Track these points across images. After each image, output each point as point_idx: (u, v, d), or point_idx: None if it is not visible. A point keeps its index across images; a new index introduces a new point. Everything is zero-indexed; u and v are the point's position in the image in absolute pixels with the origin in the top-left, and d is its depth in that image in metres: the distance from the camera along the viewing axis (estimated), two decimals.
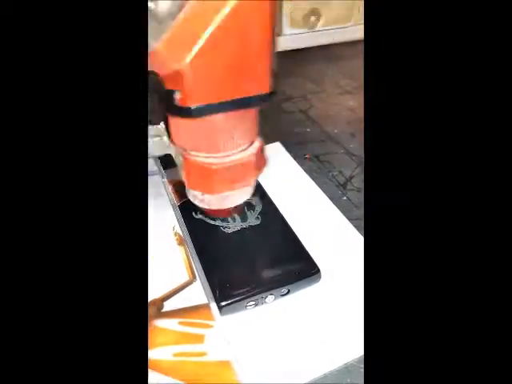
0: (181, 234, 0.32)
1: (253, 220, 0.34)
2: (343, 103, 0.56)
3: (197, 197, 0.27)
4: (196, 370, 0.24)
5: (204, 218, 0.34)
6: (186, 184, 0.26)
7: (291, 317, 0.29)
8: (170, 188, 0.37)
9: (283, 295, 0.29)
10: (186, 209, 0.35)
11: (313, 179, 0.41)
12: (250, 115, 0.23)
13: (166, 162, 0.40)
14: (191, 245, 0.31)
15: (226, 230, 0.33)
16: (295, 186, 0.40)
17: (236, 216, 0.34)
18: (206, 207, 0.28)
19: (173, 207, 0.35)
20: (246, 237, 0.33)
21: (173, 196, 0.36)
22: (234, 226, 0.33)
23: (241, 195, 0.27)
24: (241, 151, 0.24)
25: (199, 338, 0.25)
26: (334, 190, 0.41)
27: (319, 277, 0.30)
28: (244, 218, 0.34)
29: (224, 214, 0.32)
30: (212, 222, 0.34)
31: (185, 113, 0.21)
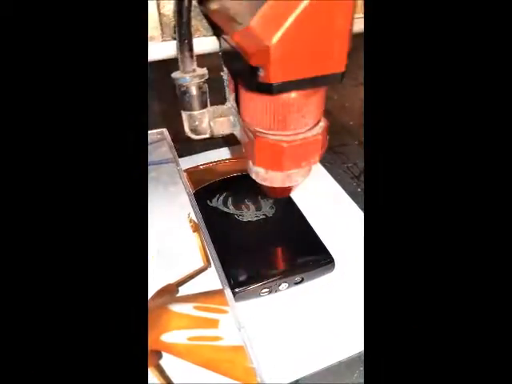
0: (196, 221, 0.32)
1: (267, 209, 0.34)
2: (358, 95, 0.55)
3: (260, 174, 0.27)
4: (210, 354, 0.24)
5: (218, 206, 0.34)
6: (253, 162, 0.27)
7: (305, 305, 0.29)
8: (184, 176, 0.37)
9: (297, 283, 0.29)
10: (201, 196, 0.35)
11: (327, 170, 0.41)
12: (320, 94, 0.24)
13: (181, 150, 0.40)
14: (206, 232, 0.31)
15: (240, 219, 0.33)
16: (310, 177, 0.40)
17: (250, 204, 0.34)
18: (268, 185, 0.28)
19: (188, 195, 0.35)
20: (260, 225, 0.33)
21: (188, 184, 0.36)
22: (248, 214, 0.33)
23: (303, 174, 0.28)
24: (308, 130, 0.25)
25: (214, 323, 0.25)
26: (349, 182, 0.40)
27: (333, 266, 0.30)
28: (258, 207, 0.34)
29: (285, 193, 0.33)
30: (226, 210, 0.34)
31: (266, 89, 0.21)
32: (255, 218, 0.33)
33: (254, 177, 0.28)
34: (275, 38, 0.19)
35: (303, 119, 0.24)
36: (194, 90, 0.26)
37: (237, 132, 0.28)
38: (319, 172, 0.41)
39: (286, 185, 0.28)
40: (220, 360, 0.24)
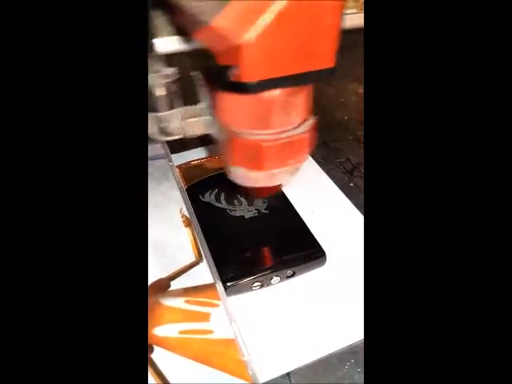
0: (188, 216, 0.33)
1: (259, 204, 0.34)
2: (353, 90, 0.55)
3: (239, 175, 0.27)
4: (201, 347, 0.24)
5: (211, 201, 0.34)
6: (230, 162, 0.26)
7: (296, 298, 0.29)
8: (177, 171, 0.37)
9: (288, 277, 0.30)
10: (193, 192, 0.35)
11: (320, 165, 0.41)
12: (307, 91, 0.23)
13: (173, 146, 0.40)
14: (198, 226, 0.31)
15: (232, 213, 0.33)
16: (302, 172, 0.40)
17: (242, 199, 0.34)
18: (252, 185, 0.27)
19: (180, 190, 0.35)
20: (252, 220, 0.33)
21: (180, 179, 0.36)
22: (240, 209, 0.34)
23: (289, 172, 0.27)
24: (294, 128, 0.24)
25: (205, 317, 0.26)
26: (341, 177, 0.41)
27: (324, 260, 0.30)
28: (250, 202, 0.34)
29: (270, 192, 0.32)
30: (219, 205, 0.34)
31: (241, 89, 0.20)
32: (247, 213, 0.33)
33: (233, 178, 0.27)
34: (248, 36, 0.18)
35: (288, 117, 0.23)
36: (158, 91, 0.25)
37: (213, 132, 0.27)
38: (311, 167, 0.41)
39: (271, 184, 0.27)
40: (211, 353, 0.24)
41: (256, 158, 0.24)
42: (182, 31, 0.26)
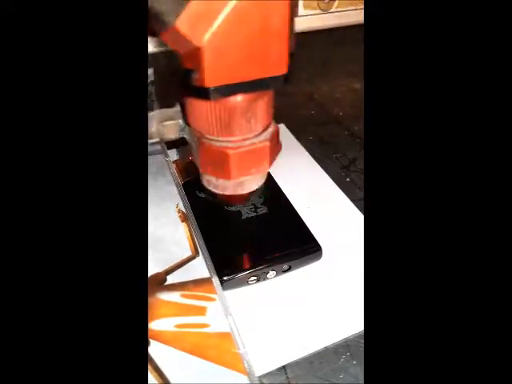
0: (184, 211, 0.33)
1: (256, 199, 0.34)
2: (348, 86, 0.55)
3: (211, 182, 0.27)
4: (197, 340, 0.25)
5: (207, 197, 0.34)
6: (201, 169, 0.26)
7: (292, 292, 0.29)
8: (173, 167, 0.37)
9: (285, 271, 0.30)
10: (190, 187, 0.35)
11: (317, 161, 0.41)
12: (267, 98, 0.23)
13: (170, 141, 0.40)
14: (194, 222, 0.32)
15: (228, 208, 0.33)
16: (299, 167, 0.40)
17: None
18: (221, 193, 0.27)
19: (176, 186, 0.35)
20: (248, 215, 0.33)
21: (176, 175, 0.36)
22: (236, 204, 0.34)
23: (256, 181, 0.27)
24: (256, 136, 0.24)
25: (201, 310, 0.26)
26: (338, 172, 0.41)
27: (320, 254, 0.30)
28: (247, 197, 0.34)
29: (239, 201, 0.32)
30: (215, 201, 0.34)
31: (202, 94, 0.20)
32: (243, 208, 0.33)
33: (205, 184, 0.27)
34: (206, 38, 0.18)
35: (248, 125, 0.23)
36: None
37: (186, 136, 0.27)
38: (308, 162, 0.41)
39: (239, 192, 0.27)
40: (207, 346, 0.24)
41: (223, 165, 0.24)
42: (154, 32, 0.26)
